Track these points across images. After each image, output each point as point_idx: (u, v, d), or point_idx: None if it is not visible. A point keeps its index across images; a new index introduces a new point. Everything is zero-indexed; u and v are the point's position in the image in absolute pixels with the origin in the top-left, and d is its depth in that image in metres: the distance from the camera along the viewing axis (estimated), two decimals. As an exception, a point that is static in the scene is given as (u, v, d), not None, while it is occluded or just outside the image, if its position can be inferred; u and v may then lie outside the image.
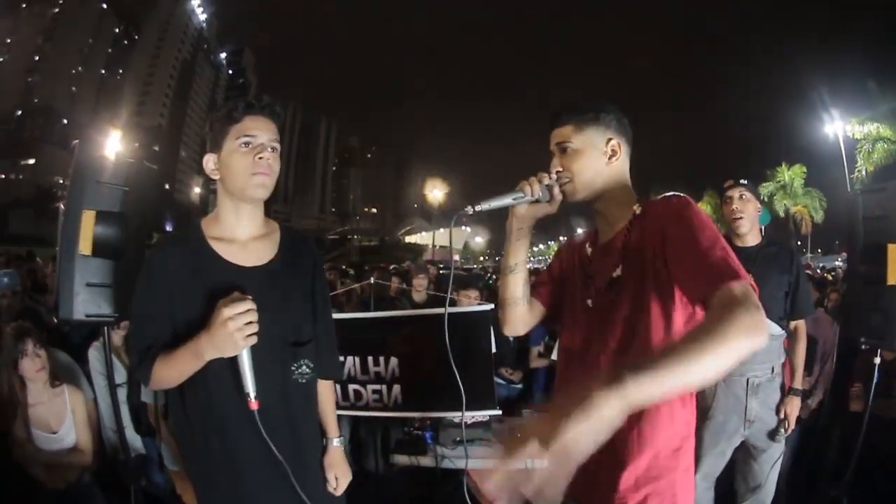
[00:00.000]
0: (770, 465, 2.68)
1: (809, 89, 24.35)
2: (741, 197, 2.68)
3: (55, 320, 2.18)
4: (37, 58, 72.60)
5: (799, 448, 3.56)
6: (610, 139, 1.47)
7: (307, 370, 1.54)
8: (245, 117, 1.39)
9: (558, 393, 1.53)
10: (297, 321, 1.54)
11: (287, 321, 1.50)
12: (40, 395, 2.65)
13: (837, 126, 23.21)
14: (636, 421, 1.28)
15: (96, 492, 2.78)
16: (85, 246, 1.98)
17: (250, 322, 1.30)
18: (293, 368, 1.51)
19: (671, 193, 1.39)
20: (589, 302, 1.47)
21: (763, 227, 2.99)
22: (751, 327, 1.02)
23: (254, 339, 1.31)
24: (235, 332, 1.28)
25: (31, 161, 65.87)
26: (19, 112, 70.23)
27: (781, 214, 30.99)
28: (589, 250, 1.56)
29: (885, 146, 22.06)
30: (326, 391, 1.71)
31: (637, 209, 1.44)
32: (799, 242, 30.39)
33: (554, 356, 4.33)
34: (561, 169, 1.48)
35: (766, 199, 30.96)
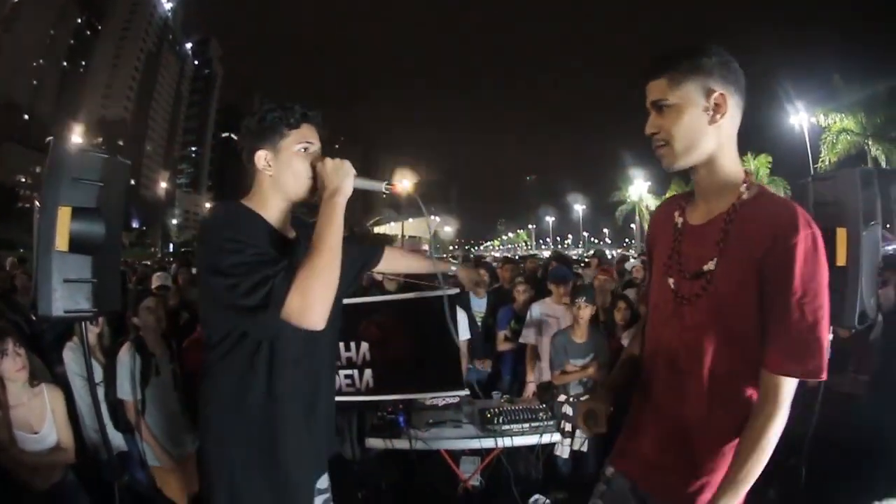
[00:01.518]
0: None
1: (775, 81, 24.77)
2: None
3: (33, 317, 2.19)
4: (-6, 50, 69.88)
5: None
6: (712, 91, 1.28)
7: None
8: (303, 125, 1.54)
9: (648, 351, 1.52)
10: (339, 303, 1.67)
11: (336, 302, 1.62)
12: (20, 395, 2.62)
13: (802, 117, 23.77)
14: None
15: (80, 490, 2.78)
16: (62, 242, 1.98)
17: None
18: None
19: (794, 204, 1.29)
20: (671, 282, 1.39)
21: None
22: (780, 427, 1.23)
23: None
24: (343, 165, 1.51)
25: (-8, 159, 63.54)
26: (-24, 108, 67.56)
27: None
28: (679, 221, 1.44)
29: (849, 137, 22.63)
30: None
31: (744, 192, 1.32)
32: None
33: (521, 340, 4.51)
34: (656, 130, 1.34)
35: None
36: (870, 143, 22.64)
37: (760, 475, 1.26)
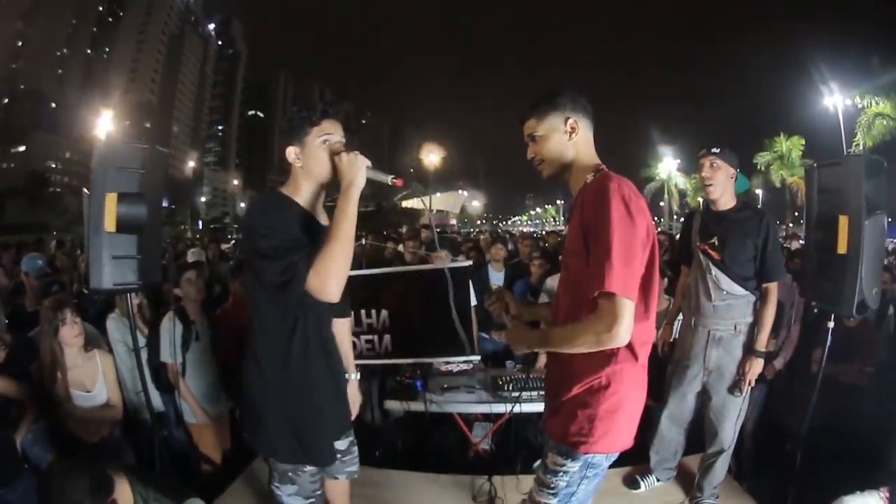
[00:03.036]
0: (725, 417, 2.81)
1: (811, 61, 23.87)
2: (711, 165, 2.76)
3: (84, 291, 2.51)
4: (20, 43, 71.13)
5: (765, 407, 3.73)
6: (567, 118, 1.75)
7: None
8: (324, 121, 1.80)
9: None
10: None
11: None
12: (76, 359, 2.96)
13: (837, 99, 22.85)
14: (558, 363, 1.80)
15: (125, 445, 3.13)
16: (110, 224, 2.30)
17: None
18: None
19: (606, 175, 1.66)
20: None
21: (743, 193, 3.06)
22: (599, 333, 1.52)
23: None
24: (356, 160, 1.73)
25: (22, 148, 65.09)
26: (6, 99, 69.05)
27: (777, 184, 31.00)
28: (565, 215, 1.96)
29: (885, 122, 21.92)
30: (342, 329, 2.19)
31: (589, 178, 1.72)
32: (796, 213, 30.30)
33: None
34: (533, 155, 1.81)
35: (762, 168, 30.73)
36: (906, 127, 21.59)
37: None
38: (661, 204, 43.90)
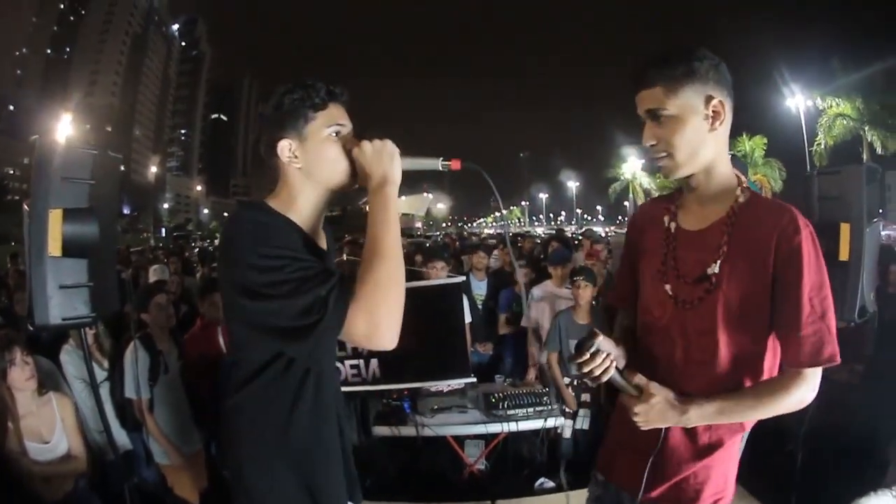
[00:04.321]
0: None
1: (772, 61, 24.83)
2: None
3: (30, 327, 2.13)
4: (-25, 41, 68.69)
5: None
6: (711, 97, 1.25)
7: None
8: (330, 104, 1.32)
9: (642, 361, 1.44)
10: None
11: None
12: (29, 405, 2.57)
13: (799, 100, 23.78)
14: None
15: (93, 498, 2.73)
16: (55, 247, 1.90)
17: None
18: None
19: (789, 205, 1.29)
20: (668, 288, 1.37)
21: None
22: (802, 402, 1.28)
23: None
24: (385, 146, 1.29)
25: (-24, 153, 62.81)
26: (-40, 101, 66.67)
27: (741, 182, 31.93)
28: (672, 227, 1.41)
29: (845, 122, 22.74)
30: None
31: (740, 195, 1.32)
32: None
33: (523, 324, 4.50)
34: (655, 142, 1.30)
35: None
36: (866, 128, 22.74)
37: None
38: (626, 203, 44.61)
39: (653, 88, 1.26)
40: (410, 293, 3.32)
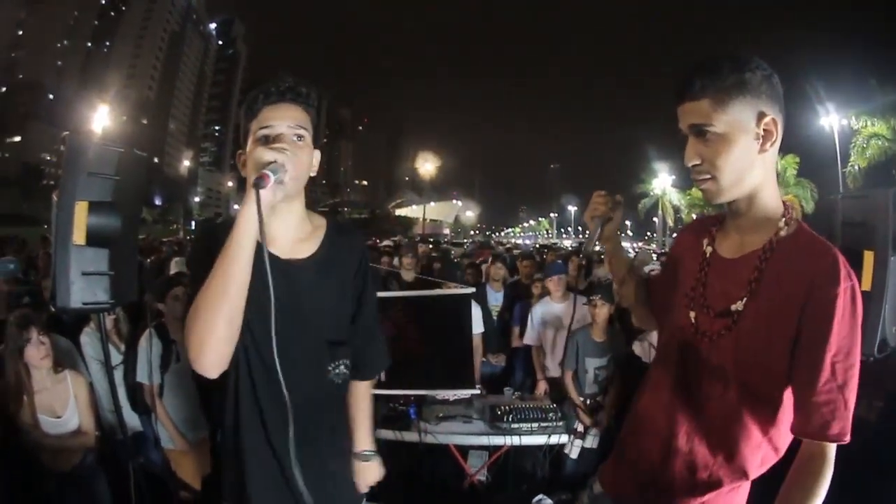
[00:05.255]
0: None
1: (806, 79, 23.97)
2: None
3: (52, 309, 2.24)
4: (20, 32, 70.94)
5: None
6: (763, 114, 1.12)
7: (344, 370, 1.45)
8: (263, 108, 1.27)
9: (655, 383, 1.41)
10: (336, 319, 1.43)
11: (323, 318, 1.39)
12: (44, 381, 2.71)
13: (833, 118, 22.86)
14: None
15: (99, 472, 2.87)
16: (79, 236, 2.02)
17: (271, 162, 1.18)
18: (330, 368, 1.40)
19: (835, 249, 1.16)
20: (692, 315, 1.29)
21: None
22: (826, 482, 1.11)
23: (278, 175, 1.17)
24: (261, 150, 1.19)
25: (18, 139, 64.73)
26: (3, 88, 68.79)
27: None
28: (708, 251, 1.32)
29: (880, 143, 21.80)
30: (360, 393, 1.63)
31: (783, 227, 1.19)
32: None
33: (525, 341, 4.47)
34: (699, 161, 1.17)
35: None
36: (902, 150, 21.67)
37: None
38: (655, 220, 43.95)
39: (699, 101, 1.13)
40: (420, 302, 3.38)
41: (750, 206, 1.21)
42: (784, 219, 1.20)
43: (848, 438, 1.10)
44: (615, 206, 1.47)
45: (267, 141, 1.25)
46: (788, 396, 1.17)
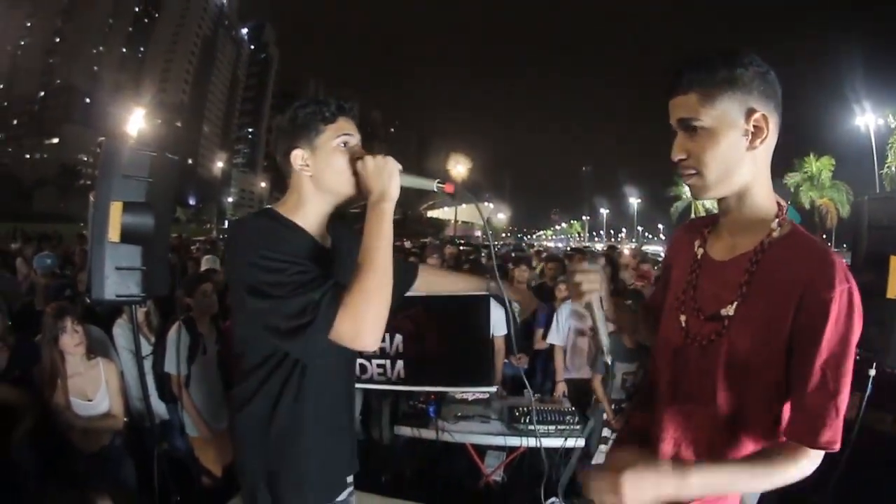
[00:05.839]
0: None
1: (843, 79, 23.25)
2: None
3: (87, 300, 2.39)
4: (57, 39, 73.38)
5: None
6: (753, 111, 1.09)
7: None
8: (339, 118, 1.43)
9: (643, 395, 1.40)
10: None
11: None
12: (78, 366, 2.89)
13: (869, 118, 22.12)
14: None
15: (126, 456, 3.04)
16: (114, 234, 2.19)
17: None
18: None
19: (830, 251, 1.10)
20: (682, 320, 1.26)
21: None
22: (796, 478, 1.08)
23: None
24: (387, 164, 1.36)
25: (55, 140, 66.96)
26: (42, 93, 71.23)
27: (807, 206, 30.11)
28: (699, 253, 1.29)
29: None
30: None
31: (775, 228, 1.16)
32: (824, 236, 29.23)
33: (548, 341, 4.46)
34: (684, 156, 1.16)
35: (791, 189, 30.02)
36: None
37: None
38: (688, 223, 43.32)
39: (687, 95, 1.12)
40: (440, 302, 3.40)
41: (740, 204, 1.18)
42: (777, 220, 1.16)
43: (838, 446, 1.06)
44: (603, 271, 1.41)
45: (346, 147, 1.42)
46: (780, 404, 1.14)
